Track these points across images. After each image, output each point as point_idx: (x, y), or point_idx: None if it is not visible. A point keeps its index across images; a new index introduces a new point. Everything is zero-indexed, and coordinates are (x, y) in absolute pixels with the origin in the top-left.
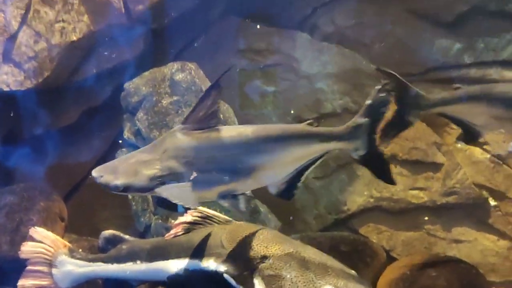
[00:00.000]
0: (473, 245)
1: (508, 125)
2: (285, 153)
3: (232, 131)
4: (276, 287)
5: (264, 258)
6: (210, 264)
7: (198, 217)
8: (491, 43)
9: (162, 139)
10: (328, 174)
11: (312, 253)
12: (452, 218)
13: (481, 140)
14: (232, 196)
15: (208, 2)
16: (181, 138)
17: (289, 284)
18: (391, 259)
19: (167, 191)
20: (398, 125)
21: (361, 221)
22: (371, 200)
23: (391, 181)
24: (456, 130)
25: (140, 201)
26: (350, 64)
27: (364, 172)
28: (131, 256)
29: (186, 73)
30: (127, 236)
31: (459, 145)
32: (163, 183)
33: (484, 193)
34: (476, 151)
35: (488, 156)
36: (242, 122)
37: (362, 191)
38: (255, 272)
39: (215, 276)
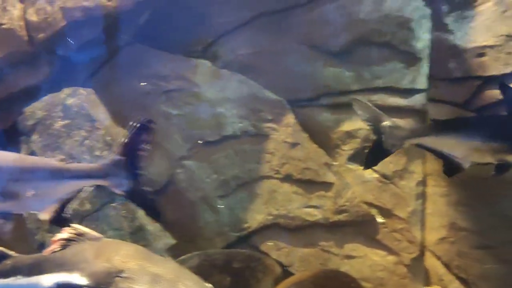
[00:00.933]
0: (363, 260)
1: (487, 156)
2: (40, 184)
3: (4, 156)
4: None
5: (120, 272)
6: (75, 278)
7: (73, 233)
8: (375, 71)
9: None
10: (229, 193)
11: (168, 268)
12: (344, 235)
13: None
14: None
15: (115, 30)
16: None
17: None
18: (290, 275)
19: None
20: (377, 154)
21: (261, 238)
22: (270, 217)
23: (157, 216)
24: (347, 151)
25: (34, 219)
26: (247, 90)
27: (262, 191)
28: (14, 271)
29: (76, 98)
30: (11, 252)
31: (350, 166)
32: None
33: (373, 210)
34: (366, 171)
35: (376, 175)
36: None
37: (262, 209)
38: (111, 285)
39: None
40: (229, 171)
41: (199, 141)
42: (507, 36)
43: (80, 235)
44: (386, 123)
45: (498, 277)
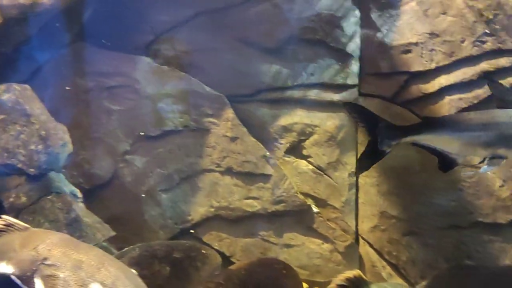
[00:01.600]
0: (301, 249)
1: (481, 150)
2: None
3: None
4: (51, 285)
5: (45, 260)
6: (2, 266)
7: (3, 224)
8: (309, 67)
9: None
10: (172, 187)
11: (92, 255)
12: (283, 224)
13: (305, 153)
14: None
15: (55, 28)
16: None
17: (62, 283)
18: (232, 264)
19: None
20: (372, 155)
21: (204, 230)
22: (212, 209)
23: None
24: (284, 145)
25: None
26: (187, 86)
27: (204, 184)
28: None
29: (11, 94)
30: None
31: (286, 158)
32: None
33: (309, 200)
34: (302, 163)
35: (311, 167)
36: (90, 139)
37: (204, 202)
38: (36, 272)
39: (7, 277)
40: (172, 165)
41: (140, 133)
42: (429, 33)
43: (9, 226)
44: (381, 124)
45: (425, 262)
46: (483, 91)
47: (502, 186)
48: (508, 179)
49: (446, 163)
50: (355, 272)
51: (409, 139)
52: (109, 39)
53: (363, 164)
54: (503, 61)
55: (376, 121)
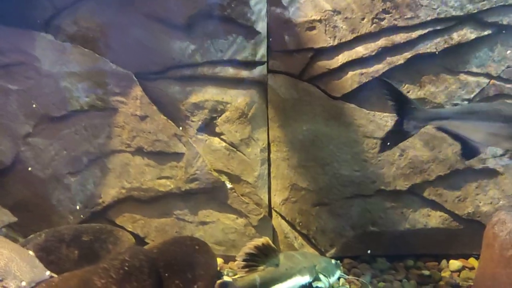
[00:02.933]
0: (216, 225)
1: (504, 142)
2: None
3: None
4: None
5: None
6: None
7: None
8: (218, 44)
9: None
10: (81, 169)
11: None
12: (197, 202)
13: (218, 130)
14: None
15: None
16: None
17: None
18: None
19: None
20: (397, 135)
21: (116, 212)
22: (123, 191)
23: None
24: (195, 123)
25: None
26: (92, 63)
27: (115, 166)
28: None
29: None
30: None
31: (199, 136)
32: None
33: (223, 177)
34: (215, 141)
35: (224, 144)
36: None
37: (115, 183)
38: None
39: None
40: (80, 147)
41: (33, 105)
42: (332, 11)
43: None
44: (409, 105)
45: (333, 230)
46: (382, 66)
47: (401, 155)
48: (406, 148)
49: (468, 150)
50: (264, 239)
51: (435, 123)
52: (4, 14)
53: (386, 143)
54: (398, 38)
55: (404, 101)
